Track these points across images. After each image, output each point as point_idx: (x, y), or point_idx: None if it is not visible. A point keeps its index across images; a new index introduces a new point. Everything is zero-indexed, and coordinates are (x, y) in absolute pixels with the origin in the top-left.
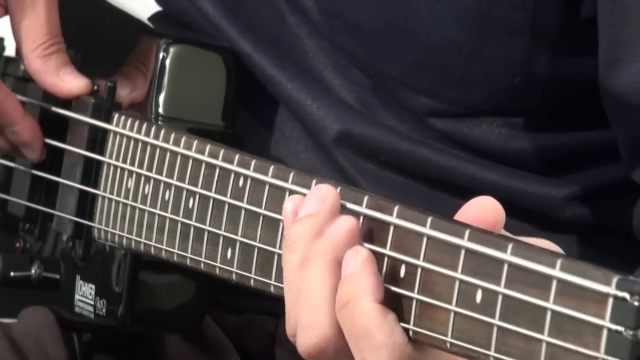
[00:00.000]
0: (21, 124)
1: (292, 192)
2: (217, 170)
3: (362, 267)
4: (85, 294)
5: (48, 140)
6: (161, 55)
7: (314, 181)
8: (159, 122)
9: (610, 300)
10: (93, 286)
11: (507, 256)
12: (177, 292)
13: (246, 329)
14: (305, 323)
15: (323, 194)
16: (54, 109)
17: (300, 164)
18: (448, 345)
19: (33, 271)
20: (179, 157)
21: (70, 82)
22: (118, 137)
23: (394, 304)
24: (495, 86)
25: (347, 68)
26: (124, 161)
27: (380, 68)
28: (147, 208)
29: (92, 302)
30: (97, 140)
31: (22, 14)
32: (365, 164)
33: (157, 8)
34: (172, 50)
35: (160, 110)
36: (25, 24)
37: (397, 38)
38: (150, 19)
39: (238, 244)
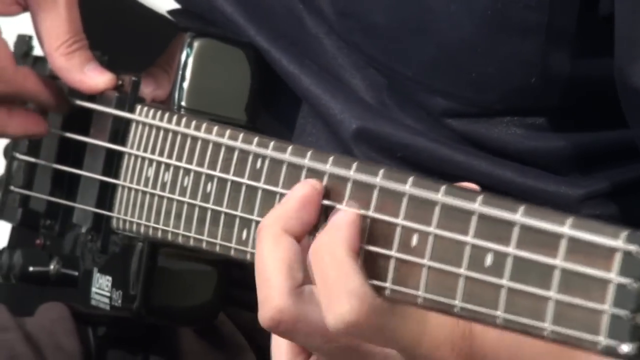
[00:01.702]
0: (44, 94)
1: (309, 169)
2: (236, 153)
3: (340, 221)
4: (102, 286)
5: (72, 135)
6: (185, 48)
7: (331, 158)
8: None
9: (618, 254)
10: (110, 278)
11: (518, 217)
12: (193, 285)
13: (261, 326)
14: (261, 298)
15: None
16: (78, 102)
17: None
18: (457, 309)
19: (52, 267)
20: (199, 143)
21: (96, 77)
22: (140, 126)
23: (405, 272)
24: (511, 86)
25: (364, 68)
26: (145, 150)
27: (396, 68)
28: (166, 195)
29: (108, 294)
30: (120, 131)
31: (43, 13)
32: (383, 160)
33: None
34: (196, 43)
35: (183, 102)
36: (47, 23)
37: (412, 38)
38: (171, 13)
39: (253, 224)
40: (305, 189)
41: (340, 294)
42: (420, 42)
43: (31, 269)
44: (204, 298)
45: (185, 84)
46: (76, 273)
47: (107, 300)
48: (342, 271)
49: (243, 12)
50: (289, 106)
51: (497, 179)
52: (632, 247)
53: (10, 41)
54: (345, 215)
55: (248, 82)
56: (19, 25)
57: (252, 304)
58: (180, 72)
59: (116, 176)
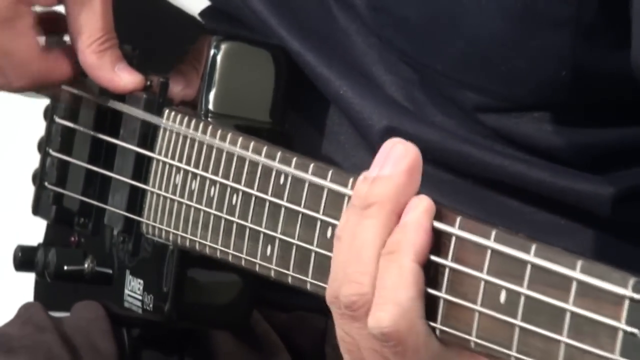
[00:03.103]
0: (73, 70)
1: (330, 190)
2: (260, 168)
3: (417, 220)
4: (134, 288)
5: (102, 136)
6: (212, 51)
7: (351, 179)
8: (209, 119)
9: (627, 302)
10: (141, 281)
11: (531, 257)
12: (224, 289)
13: (296, 326)
14: (352, 276)
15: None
16: (109, 103)
17: (349, 162)
18: (472, 344)
19: (86, 265)
20: (224, 154)
21: (126, 77)
22: (168, 132)
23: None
24: (541, 80)
25: (395, 64)
26: (173, 157)
27: (427, 63)
28: (194, 204)
29: (140, 297)
30: (149, 135)
31: (78, 8)
32: None
33: (205, 3)
34: (223, 46)
35: (210, 106)
36: (82, 19)
37: (442, 32)
38: (202, 14)
39: (277, 241)
40: (410, 156)
41: (388, 300)
42: (451, 36)
43: (66, 267)
44: (235, 301)
45: (213, 88)
46: (110, 271)
47: (139, 304)
48: (400, 279)
49: (273, 9)
50: (319, 107)
51: (528, 179)
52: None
53: None
54: (417, 218)
55: (276, 85)
56: None
57: (284, 304)
58: (207, 76)
59: (145, 180)
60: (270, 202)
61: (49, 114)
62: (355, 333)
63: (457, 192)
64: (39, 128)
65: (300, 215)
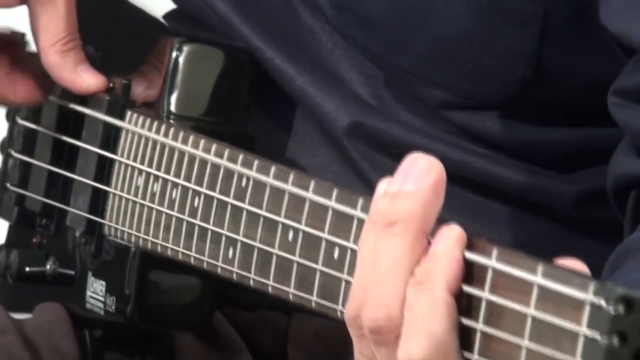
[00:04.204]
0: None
1: (291, 193)
2: (222, 170)
3: (448, 250)
4: (96, 290)
5: (64, 137)
6: (174, 53)
7: (312, 182)
8: (171, 121)
9: (587, 307)
10: (104, 283)
11: (492, 262)
12: (186, 290)
13: (258, 325)
14: (379, 299)
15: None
16: (71, 105)
17: (313, 161)
18: None
19: (48, 267)
20: (186, 156)
21: (88, 78)
22: (130, 134)
23: None
24: (507, 78)
25: (361, 62)
26: (135, 159)
27: (393, 61)
28: (155, 206)
29: (102, 299)
30: (111, 137)
31: (41, 8)
32: (378, 156)
33: (172, 5)
34: (185, 48)
35: (172, 108)
36: (45, 19)
37: (408, 30)
38: (166, 16)
39: (239, 243)
40: (434, 170)
41: (420, 331)
42: (417, 34)
43: (28, 269)
44: (197, 302)
45: (175, 90)
46: (73, 272)
47: (101, 305)
48: (433, 309)
49: (237, 9)
50: (283, 107)
51: (493, 176)
52: (600, 301)
53: None
54: (448, 247)
55: (239, 87)
56: (12, 20)
57: (246, 303)
58: (169, 78)
59: (108, 182)
60: (232, 204)
61: (11, 114)
62: (380, 358)
63: None
64: (1, 129)
65: (262, 219)
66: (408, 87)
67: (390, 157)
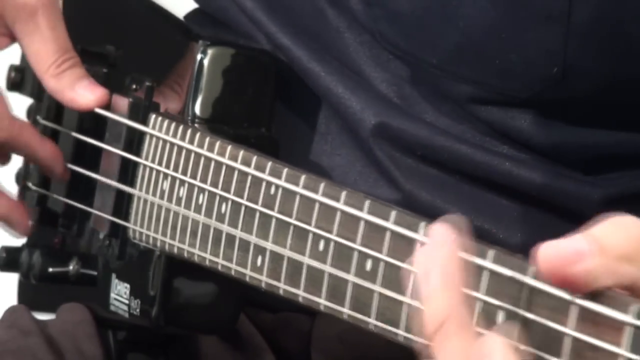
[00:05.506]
0: (40, 152)
1: (321, 204)
2: (250, 177)
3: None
4: (120, 292)
5: (87, 139)
6: (199, 56)
7: (344, 193)
8: (195, 125)
9: (628, 329)
10: (128, 285)
11: (528, 279)
12: (211, 294)
13: (281, 328)
14: None
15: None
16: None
17: (337, 160)
18: None
19: (71, 267)
20: (212, 162)
21: (86, 95)
22: (154, 138)
23: None
24: (534, 75)
25: (387, 61)
26: (160, 163)
27: (421, 56)
28: (181, 211)
29: (126, 302)
30: (135, 140)
31: (28, 38)
32: (402, 157)
33: (193, 5)
34: (209, 52)
35: (197, 112)
36: (34, 48)
37: (436, 24)
38: (187, 17)
39: (268, 252)
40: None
41: None
42: (445, 29)
43: (51, 269)
44: (222, 306)
45: (199, 94)
46: (95, 273)
47: (125, 308)
48: None
49: (264, 7)
50: (308, 106)
51: (517, 179)
52: None
53: (2, 72)
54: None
55: (263, 90)
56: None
57: (270, 305)
58: (194, 82)
59: (132, 184)
60: (261, 212)
61: (32, 114)
62: None
63: (443, 188)
64: None
65: (291, 227)
66: (436, 83)
67: (415, 158)
